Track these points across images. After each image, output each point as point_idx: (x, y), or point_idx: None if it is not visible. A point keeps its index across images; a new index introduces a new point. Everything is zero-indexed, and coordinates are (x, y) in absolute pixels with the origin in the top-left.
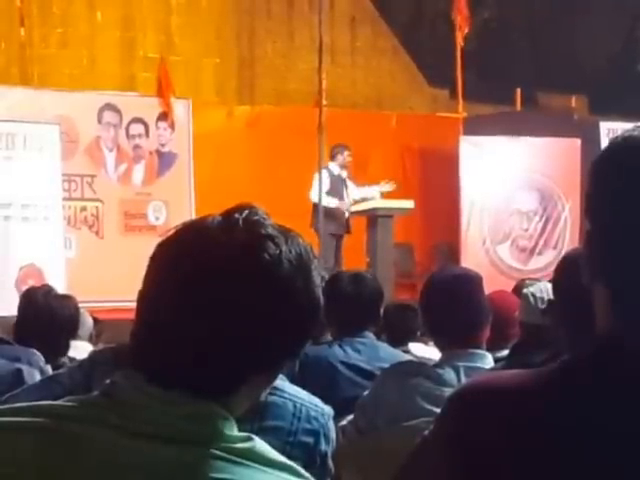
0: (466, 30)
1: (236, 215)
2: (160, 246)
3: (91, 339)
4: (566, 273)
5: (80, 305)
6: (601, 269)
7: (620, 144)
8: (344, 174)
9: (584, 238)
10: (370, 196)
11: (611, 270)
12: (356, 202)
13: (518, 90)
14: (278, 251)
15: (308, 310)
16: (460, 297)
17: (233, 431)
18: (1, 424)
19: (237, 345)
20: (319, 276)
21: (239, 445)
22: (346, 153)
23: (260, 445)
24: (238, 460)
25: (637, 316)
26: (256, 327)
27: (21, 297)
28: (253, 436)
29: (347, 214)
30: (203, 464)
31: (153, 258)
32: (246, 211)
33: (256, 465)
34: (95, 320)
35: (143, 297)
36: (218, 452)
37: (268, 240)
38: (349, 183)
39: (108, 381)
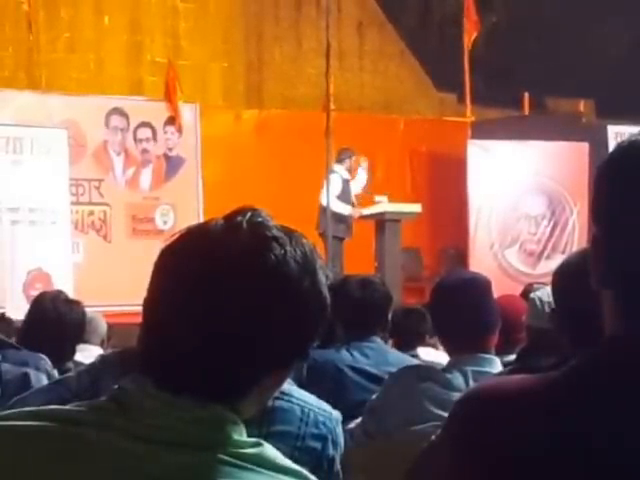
0: (475, 34)
1: (239, 218)
2: (164, 252)
3: (102, 344)
4: (565, 278)
5: (87, 309)
6: (607, 272)
7: (626, 148)
8: (349, 178)
9: (591, 241)
10: (361, 186)
11: (616, 272)
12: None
13: (526, 94)
14: (283, 251)
15: (316, 308)
16: (469, 301)
17: (242, 436)
18: (5, 428)
19: (246, 347)
20: (324, 275)
21: (248, 450)
22: (354, 158)
23: (269, 450)
24: (247, 465)
25: None
26: (265, 328)
27: (31, 302)
28: (262, 441)
29: (352, 218)
30: (211, 469)
31: (157, 264)
32: (249, 213)
33: (265, 471)
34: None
35: (149, 303)
36: (226, 457)
37: (273, 241)
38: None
39: (116, 386)
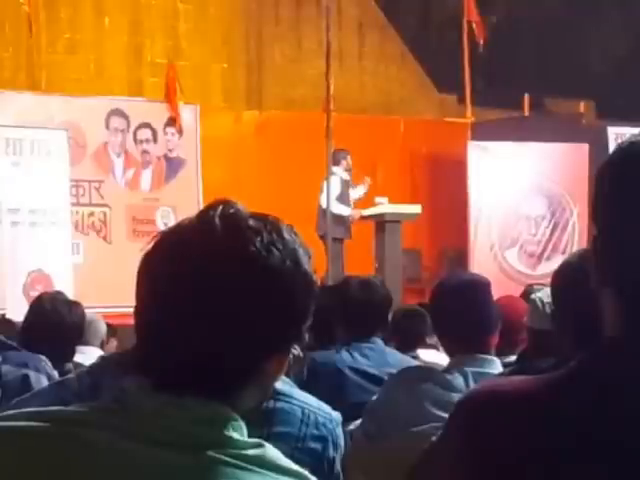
0: (482, 38)
1: (211, 212)
2: (145, 259)
3: (102, 345)
4: (565, 278)
5: (87, 310)
6: (606, 272)
7: (625, 149)
8: (348, 179)
9: (591, 242)
10: (357, 197)
11: (615, 273)
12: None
13: (526, 95)
14: (260, 239)
15: (303, 288)
16: (469, 303)
17: (243, 436)
18: (7, 428)
19: (240, 340)
20: (306, 254)
21: (250, 452)
22: (349, 157)
23: (271, 452)
24: (248, 467)
25: None
26: (256, 318)
27: (30, 304)
28: (264, 442)
29: (351, 219)
30: (212, 470)
31: (140, 271)
32: (220, 206)
33: (266, 472)
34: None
35: (139, 309)
36: (228, 458)
37: (249, 231)
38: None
39: (118, 387)
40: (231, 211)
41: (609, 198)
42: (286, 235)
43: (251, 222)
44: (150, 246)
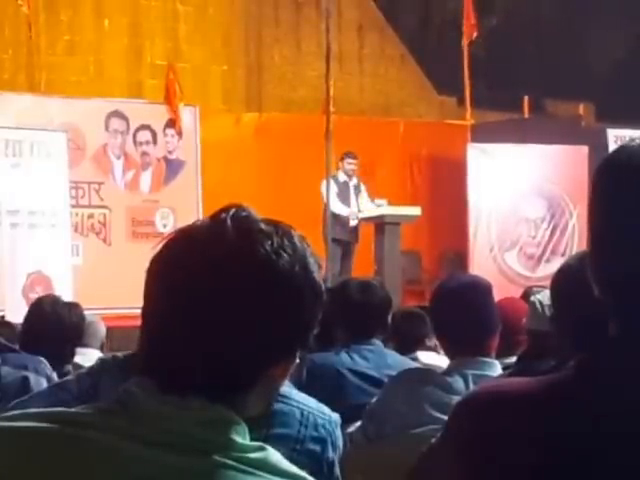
0: (472, 36)
1: (223, 215)
2: (154, 259)
3: (102, 347)
4: (565, 280)
5: (87, 312)
6: (601, 274)
7: (616, 155)
8: (352, 181)
9: (588, 245)
10: (368, 212)
11: (606, 274)
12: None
13: (526, 97)
14: (271, 242)
15: (311, 296)
16: (469, 305)
17: (245, 439)
18: (9, 428)
19: (246, 344)
20: (316, 263)
21: (252, 455)
22: (346, 161)
23: (273, 455)
24: (250, 470)
25: (635, 317)
26: (263, 322)
27: (30, 306)
28: (266, 445)
29: (356, 222)
30: (214, 473)
31: (150, 272)
32: (233, 209)
33: (268, 475)
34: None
35: (146, 310)
36: (230, 461)
37: (260, 234)
38: (364, 193)
39: (121, 389)
40: (243, 214)
41: (599, 203)
42: (297, 242)
43: (263, 226)
44: (160, 246)
